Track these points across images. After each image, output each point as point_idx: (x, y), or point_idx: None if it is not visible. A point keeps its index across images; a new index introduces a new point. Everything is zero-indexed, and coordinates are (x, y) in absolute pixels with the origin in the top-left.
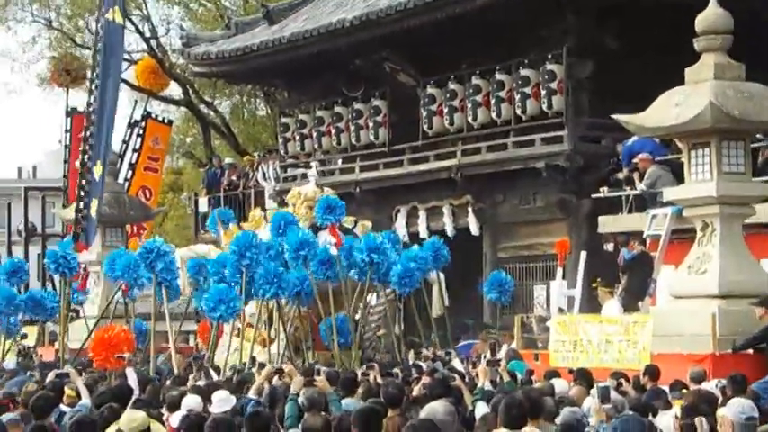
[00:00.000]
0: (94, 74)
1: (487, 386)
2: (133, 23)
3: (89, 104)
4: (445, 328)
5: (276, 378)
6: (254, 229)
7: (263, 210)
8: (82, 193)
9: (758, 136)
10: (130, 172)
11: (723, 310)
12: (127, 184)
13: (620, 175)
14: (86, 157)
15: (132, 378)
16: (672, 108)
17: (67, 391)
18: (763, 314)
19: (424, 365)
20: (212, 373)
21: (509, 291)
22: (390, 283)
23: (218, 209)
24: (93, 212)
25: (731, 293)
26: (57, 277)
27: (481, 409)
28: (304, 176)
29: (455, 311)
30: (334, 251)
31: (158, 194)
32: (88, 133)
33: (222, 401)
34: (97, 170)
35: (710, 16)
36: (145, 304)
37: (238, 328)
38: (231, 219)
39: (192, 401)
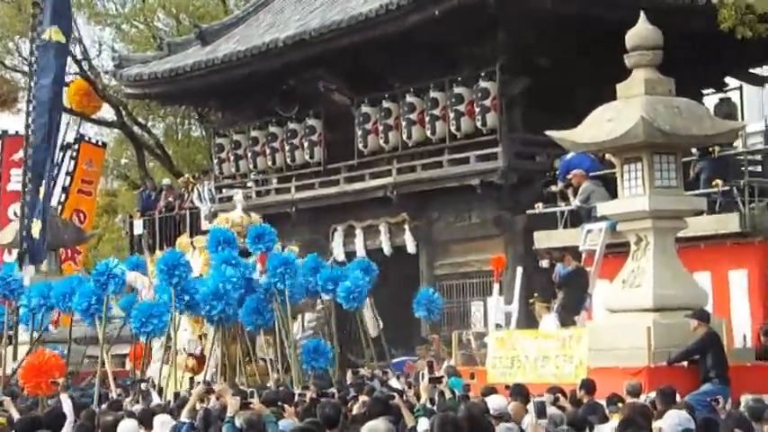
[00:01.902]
0: (31, 96)
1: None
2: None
3: (27, 127)
4: (380, 345)
5: (214, 399)
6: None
7: (199, 233)
8: (23, 216)
9: (693, 150)
10: (64, 195)
11: (658, 323)
12: (60, 208)
13: (554, 188)
14: (26, 178)
15: (67, 404)
16: (604, 123)
17: (0, 419)
18: (697, 327)
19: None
20: (153, 393)
21: (438, 308)
22: (338, 299)
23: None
24: (35, 233)
25: (665, 307)
26: None
27: (423, 425)
28: None
29: (393, 329)
30: (257, 276)
31: (92, 217)
32: (26, 157)
33: (164, 424)
34: (41, 194)
35: (641, 32)
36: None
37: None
38: (141, 265)
39: (127, 426)
